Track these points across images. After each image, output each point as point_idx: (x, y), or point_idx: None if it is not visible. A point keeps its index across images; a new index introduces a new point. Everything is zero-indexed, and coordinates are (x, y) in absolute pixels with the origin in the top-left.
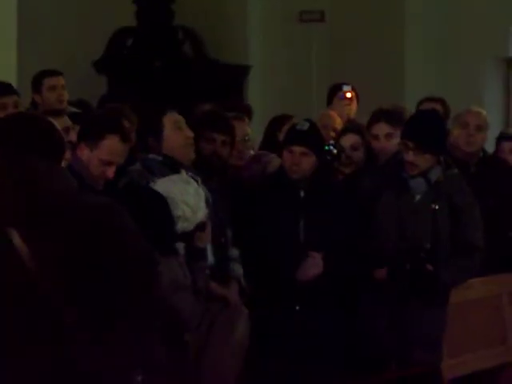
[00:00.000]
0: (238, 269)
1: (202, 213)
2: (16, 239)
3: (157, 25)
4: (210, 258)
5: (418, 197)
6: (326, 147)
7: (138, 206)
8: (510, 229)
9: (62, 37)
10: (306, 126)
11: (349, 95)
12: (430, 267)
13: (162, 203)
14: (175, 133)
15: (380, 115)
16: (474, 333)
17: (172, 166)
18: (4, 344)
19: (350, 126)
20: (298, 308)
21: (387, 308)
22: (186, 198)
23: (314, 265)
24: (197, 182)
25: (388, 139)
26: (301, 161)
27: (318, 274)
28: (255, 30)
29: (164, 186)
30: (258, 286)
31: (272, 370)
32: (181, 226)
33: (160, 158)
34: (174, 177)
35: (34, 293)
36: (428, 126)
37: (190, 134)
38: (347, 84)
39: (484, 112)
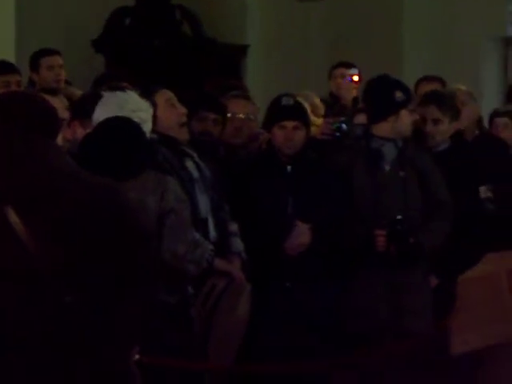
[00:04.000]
0: (238, 243)
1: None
2: (12, 216)
3: (155, 4)
4: (212, 233)
5: (387, 167)
6: (337, 124)
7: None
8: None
9: (61, 15)
10: (291, 100)
11: (356, 78)
12: (411, 240)
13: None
14: (168, 110)
15: (431, 98)
16: (475, 310)
17: (168, 144)
18: (4, 317)
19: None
20: (288, 285)
21: (380, 279)
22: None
23: (300, 234)
24: (193, 157)
25: (435, 124)
26: (294, 135)
27: (305, 244)
28: (253, 9)
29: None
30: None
31: (267, 345)
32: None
33: (155, 136)
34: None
35: (31, 270)
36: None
37: (184, 110)
38: (354, 66)
39: (463, 87)
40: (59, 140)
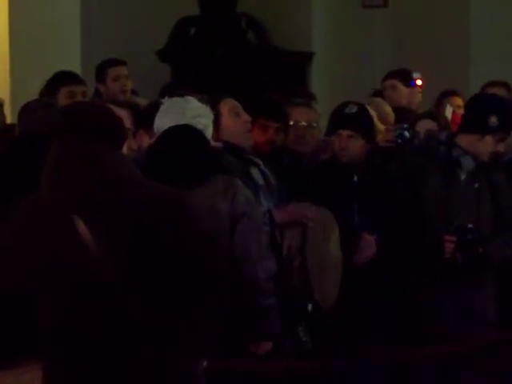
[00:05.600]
0: None
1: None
2: (81, 226)
3: (220, 13)
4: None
5: (463, 176)
6: (398, 131)
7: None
8: None
9: (126, 26)
10: (353, 109)
11: (419, 82)
12: (480, 249)
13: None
14: (233, 119)
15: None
16: None
17: (234, 152)
18: (71, 328)
19: (426, 112)
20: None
21: (447, 291)
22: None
23: (367, 246)
24: (258, 165)
25: None
26: (348, 144)
27: (371, 256)
28: (318, 17)
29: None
30: None
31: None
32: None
33: (220, 145)
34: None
35: (98, 281)
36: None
37: (248, 118)
38: (415, 71)
39: None
40: (125, 149)
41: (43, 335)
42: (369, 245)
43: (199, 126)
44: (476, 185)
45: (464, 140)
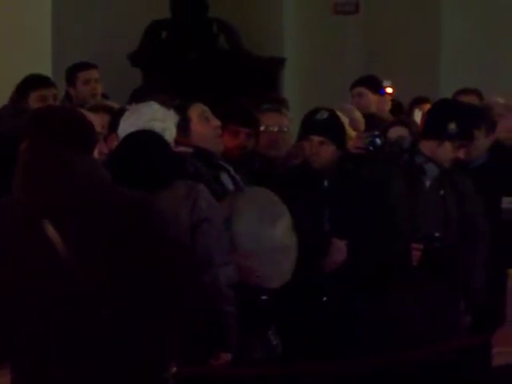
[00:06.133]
0: None
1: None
2: (50, 230)
3: (191, 17)
4: None
5: (428, 183)
6: (370, 138)
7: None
8: None
9: (98, 29)
10: (324, 115)
11: (389, 90)
12: (446, 258)
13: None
14: (203, 124)
15: None
16: None
17: (203, 158)
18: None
19: (398, 119)
20: (325, 299)
21: (418, 295)
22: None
23: (337, 251)
24: (228, 170)
25: None
26: (319, 150)
27: (342, 261)
28: (290, 23)
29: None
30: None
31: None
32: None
33: (190, 150)
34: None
35: (69, 282)
36: None
37: (218, 123)
38: (385, 79)
39: (501, 100)
40: (96, 154)
41: (14, 336)
42: (339, 250)
43: (157, 130)
44: (441, 192)
45: (425, 146)
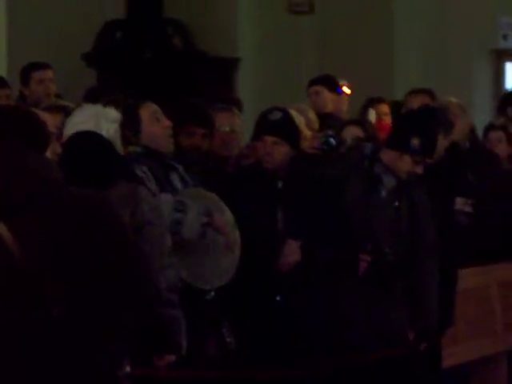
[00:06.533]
0: None
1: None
2: (1, 227)
3: (146, 17)
4: None
5: (384, 193)
6: (324, 138)
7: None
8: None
9: (52, 29)
10: (278, 115)
11: (346, 89)
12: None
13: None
14: (153, 123)
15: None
16: (466, 323)
17: (153, 157)
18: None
19: (353, 119)
20: (278, 298)
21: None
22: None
23: (291, 252)
24: (178, 170)
25: None
26: (272, 150)
27: (296, 262)
28: (245, 23)
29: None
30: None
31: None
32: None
33: (139, 150)
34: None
35: (20, 281)
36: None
37: (169, 123)
38: (341, 79)
39: (454, 100)
40: (49, 153)
41: None
42: (293, 250)
43: (98, 130)
44: (396, 203)
45: (386, 155)
